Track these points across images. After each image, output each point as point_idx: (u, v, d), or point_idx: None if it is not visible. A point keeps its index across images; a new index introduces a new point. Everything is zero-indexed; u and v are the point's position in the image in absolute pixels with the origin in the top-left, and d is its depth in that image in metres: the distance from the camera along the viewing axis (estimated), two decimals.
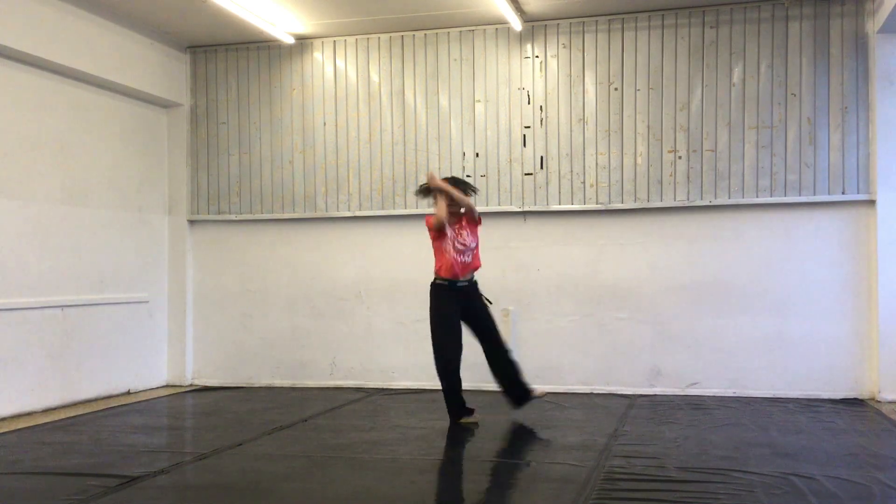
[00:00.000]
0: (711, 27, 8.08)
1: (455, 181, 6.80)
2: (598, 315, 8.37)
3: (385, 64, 8.82)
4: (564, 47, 8.41)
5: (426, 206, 8.63)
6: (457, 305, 6.71)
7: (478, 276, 8.64)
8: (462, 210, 6.71)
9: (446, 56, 8.68)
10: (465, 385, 8.59)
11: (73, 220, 7.92)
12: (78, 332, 7.90)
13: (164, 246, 9.23)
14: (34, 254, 7.45)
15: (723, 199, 8.04)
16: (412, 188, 8.70)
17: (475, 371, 8.61)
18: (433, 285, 6.79)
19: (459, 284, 6.70)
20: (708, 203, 8.06)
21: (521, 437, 6.25)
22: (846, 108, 7.82)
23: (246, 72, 9.18)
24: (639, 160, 8.22)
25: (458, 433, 6.33)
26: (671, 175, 8.14)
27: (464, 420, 6.69)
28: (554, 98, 8.42)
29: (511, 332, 8.48)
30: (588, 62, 8.35)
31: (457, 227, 6.72)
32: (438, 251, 6.73)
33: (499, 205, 8.52)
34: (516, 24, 8.16)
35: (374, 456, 5.85)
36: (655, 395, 8.08)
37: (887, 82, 7.66)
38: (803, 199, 7.87)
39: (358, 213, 8.84)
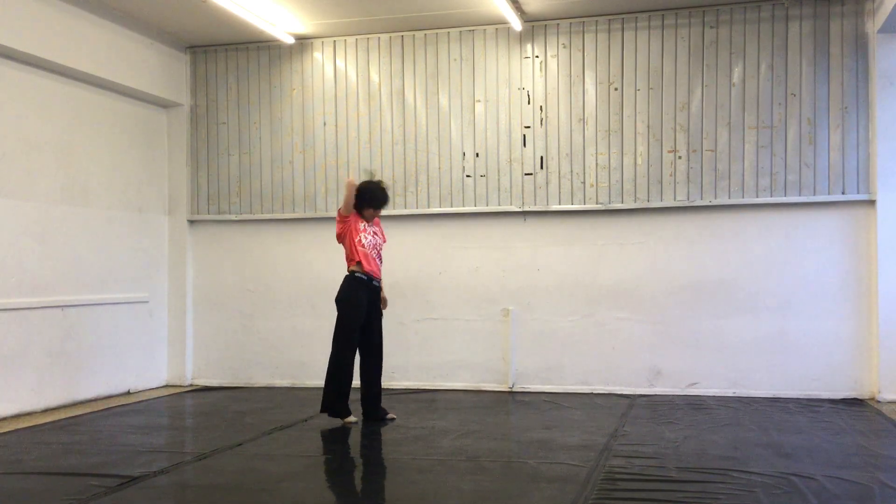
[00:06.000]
0: (711, 27, 8.09)
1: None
2: (598, 315, 8.37)
3: (385, 64, 8.82)
4: (564, 47, 8.41)
5: (426, 206, 8.67)
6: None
7: (479, 277, 8.68)
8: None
9: (446, 56, 8.68)
10: (465, 385, 8.62)
11: (73, 220, 7.92)
12: (78, 332, 7.90)
13: (164, 246, 9.23)
14: (34, 254, 7.45)
15: (723, 199, 8.04)
16: (412, 188, 8.71)
17: (474, 371, 8.63)
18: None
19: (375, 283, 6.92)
20: (708, 203, 8.07)
21: (521, 437, 6.25)
22: (846, 108, 7.82)
23: (246, 72, 9.18)
24: (639, 160, 8.22)
25: (459, 433, 6.32)
26: (671, 175, 8.14)
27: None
28: (554, 98, 8.42)
29: (511, 332, 8.49)
30: (588, 62, 8.35)
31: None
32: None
33: (499, 205, 8.52)
34: (516, 24, 8.16)
35: (375, 456, 5.85)
36: (655, 395, 8.08)
37: (887, 82, 7.66)
38: (803, 199, 7.87)
39: None
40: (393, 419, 6.87)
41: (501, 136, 8.53)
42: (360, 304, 6.73)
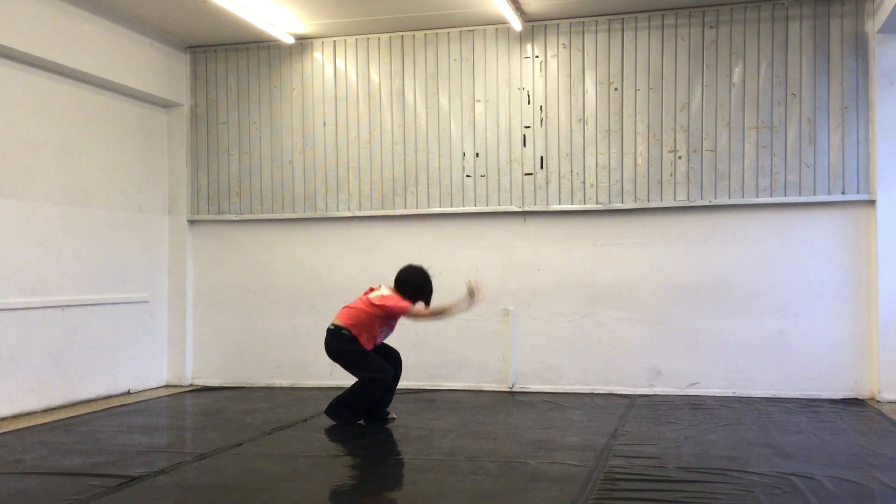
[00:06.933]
0: (711, 27, 8.08)
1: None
2: (598, 315, 8.37)
3: (385, 64, 8.82)
4: (564, 47, 8.41)
5: (426, 206, 8.66)
6: None
7: (479, 277, 8.67)
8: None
9: (446, 56, 8.68)
10: (465, 385, 8.62)
11: (73, 220, 7.91)
12: (78, 332, 7.90)
13: (164, 246, 9.22)
14: (34, 254, 7.45)
15: (723, 199, 8.04)
16: (412, 188, 8.71)
17: (474, 371, 8.63)
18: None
19: None
20: (708, 203, 8.07)
21: (521, 437, 6.25)
22: (846, 108, 7.82)
23: (246, 72, 9.18)
24: (639, 160, 8.22)
25: (459, 433, 6.32)
26: (671, 175, 8.14)
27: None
28: (554, 98, 8.42)
29: (511, 332, 8.49)
30: (588, 62, 8.35)
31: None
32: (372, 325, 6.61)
33: (499, 205, 8.52)
34: (516, 24, 8.16)
35: (375, 456, 5.85)
36: (655, 395, 8.08)
37: (887, 82, 7.66)
38: (803, 199, 7.87)
39: (358, 213, 8.84)
40: (394, 419, 6.87)
41: (501, 136, 8.53)
42: (355, 343, 6.60)
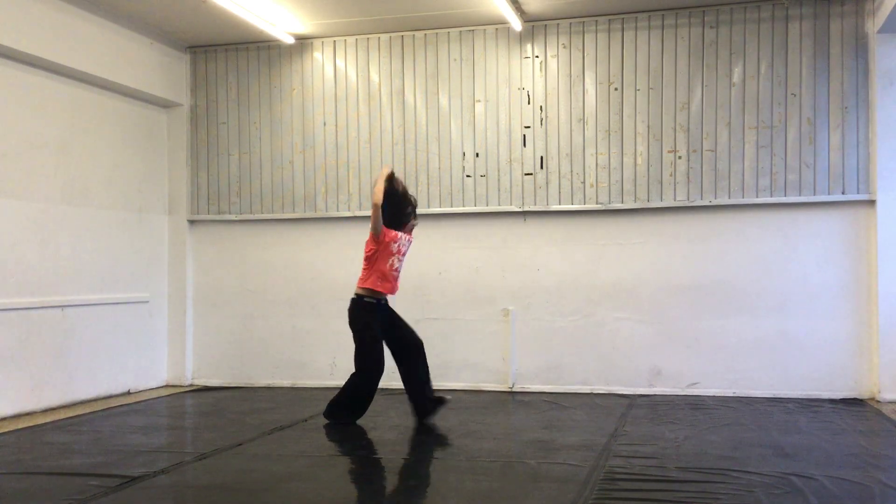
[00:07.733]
0: (711, 27, 8.09)
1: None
2: (598, 315, 8.37)
3: (385, 64, 8.83)
4: (564, 47, 8.41)
5: (426, 206, 8.66)
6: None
7: (479, 277, 8.69)
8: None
9: (446, 56, 8.68)
10: (465, 385, 8.62)
11: (73, 220, 7.91)
12: (78, 332, 7.90)
13: (164, 246, 9.22)
14: (34, 254, 7.45)
15: (723, 199, 8.04)
16: (412, 188, 8.69)
17: (474, 371, 8.63)
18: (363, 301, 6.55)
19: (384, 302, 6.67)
20: (708, 203, 8.07)
21: (521, 437, 6.25)
22: (846, 108, 7.82)
23: (246, 72, 9.18)
24: (639, 160, 8.22)
25: (459, 433, 6.32)
26: (671, 175, 8.14)
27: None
28: (554, 98, 8.42)
29: (511, 332, 8.49)
30: (588, 62, 8.35)
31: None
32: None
33: (499, 205, 8.52)
34: (516, 24, 8.16)
35: (375, 456, 5.85)
36: (655, 395, 8.08)
37: (887, 82, 7.66)
38: (803, 199, 7.87)
39: (358, 213, 8.84)
40: (449, 399, 6.84)
41: (501, 136, 8.53)
42: (370, 325, 6.55)
